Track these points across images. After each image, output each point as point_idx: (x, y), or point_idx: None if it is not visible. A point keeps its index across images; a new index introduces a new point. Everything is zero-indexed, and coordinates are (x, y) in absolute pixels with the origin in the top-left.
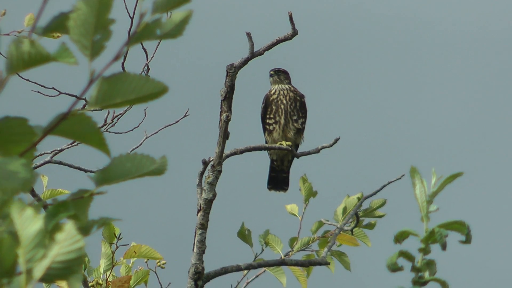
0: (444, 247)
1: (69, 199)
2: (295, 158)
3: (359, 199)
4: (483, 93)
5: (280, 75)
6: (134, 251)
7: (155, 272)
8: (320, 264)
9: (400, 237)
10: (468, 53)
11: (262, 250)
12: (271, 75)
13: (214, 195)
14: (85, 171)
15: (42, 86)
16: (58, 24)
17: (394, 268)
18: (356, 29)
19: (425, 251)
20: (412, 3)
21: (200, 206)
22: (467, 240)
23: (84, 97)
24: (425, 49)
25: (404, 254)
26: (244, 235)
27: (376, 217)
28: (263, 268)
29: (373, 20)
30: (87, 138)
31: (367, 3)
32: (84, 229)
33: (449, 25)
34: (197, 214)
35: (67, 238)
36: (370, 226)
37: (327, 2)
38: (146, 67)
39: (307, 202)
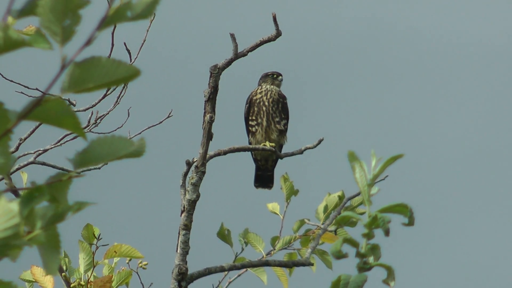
0: (387, 233)
1: (48, 182)
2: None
3: (339, 197)
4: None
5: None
6: (115, 251)
7: (137, 273)
8: (303, 265)
9: (342, 221)
10: (466, 69)
11: (242, 249)
12: (281, 80)
13: (198, 196)
14: (69, 171)
15: (25, 86)
16: (32, 8)
17: (339, 255)
18: (339, 32)
19: (368, 236)
20: (410, 16)
21: (184, 207)
22: (410, 222)
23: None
24: (411, 55)
25: (348, 241)
26: (224, 235)
27: (358, 214)
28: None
29: (364, 27)
30: (63, 122)
31: (358, 10)
32: (59, 215)
33: (449, 39)
34: (181, 215)
35: (2, 215)
36: (352, 224)
37: (313, 7)
38: None
39: (288, 201)
